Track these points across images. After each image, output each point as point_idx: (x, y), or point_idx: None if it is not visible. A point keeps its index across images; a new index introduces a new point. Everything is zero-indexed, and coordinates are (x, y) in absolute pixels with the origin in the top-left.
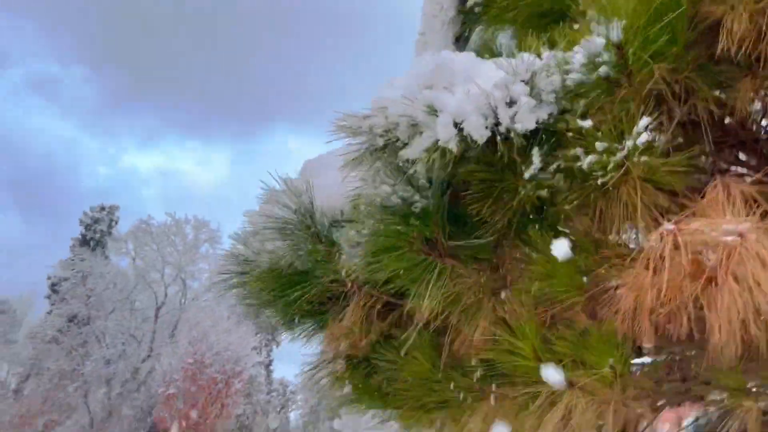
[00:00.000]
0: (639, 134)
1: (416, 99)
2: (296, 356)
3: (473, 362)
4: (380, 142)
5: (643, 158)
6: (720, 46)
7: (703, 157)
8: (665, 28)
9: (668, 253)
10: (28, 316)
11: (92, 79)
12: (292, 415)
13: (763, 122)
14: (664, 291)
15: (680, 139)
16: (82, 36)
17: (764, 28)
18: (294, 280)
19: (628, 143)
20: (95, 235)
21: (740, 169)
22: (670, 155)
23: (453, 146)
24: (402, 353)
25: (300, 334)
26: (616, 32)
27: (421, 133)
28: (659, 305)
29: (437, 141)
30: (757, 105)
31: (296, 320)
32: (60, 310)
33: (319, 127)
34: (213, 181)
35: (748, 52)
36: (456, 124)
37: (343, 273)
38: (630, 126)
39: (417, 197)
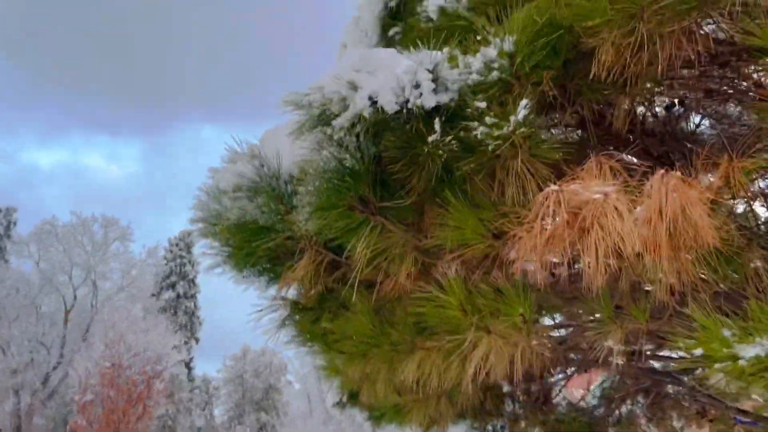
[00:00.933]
0: (519, 111)
1: (342, 78)
2: (217, 352)
3: (405, 319)
4: (317, 113)
5: (522, 129)
6: (593, 71)
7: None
8: (546, 45)
9: (552, 208)
10: None
11: None
12: (217, 411)
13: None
14: (550, 237)
15: (556, 120)
16: None
17: (628, 59)
18: (256, 232)
19: (512, 118)
20: None
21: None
22: (551, 137)
23: (366, 114)
24: (345, 308)
25: (256, 284)
26: (508, 44)
27: (347, 107)
28: (546, 249)
29: (358, 110)
30: (635, 109)
31: (254, 272)
32: None
33: (233, 114)
34: (123, 177)
35: (616, 77)
36: (372, 99)
37: (298, 229)
38: (514, 108)
39: (348, 158)
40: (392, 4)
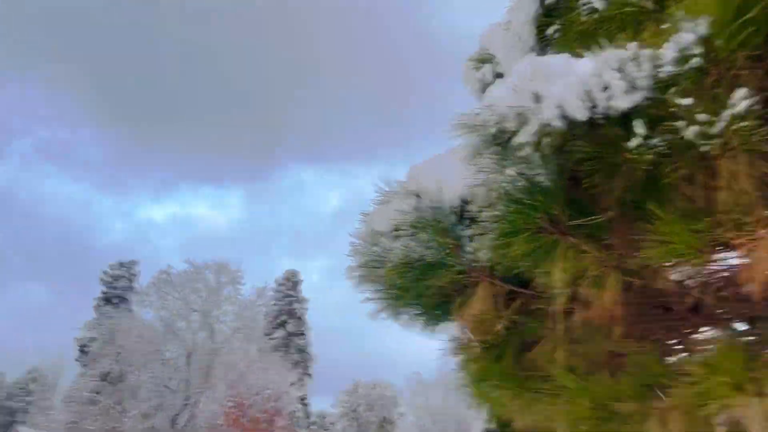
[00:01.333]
0: (736, 103)
1: (522, 90)
2: (328, 387)
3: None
4: (493, 132)
5: (742, 123)
6: None
7: None
8: (748, 22)
9: None
10: (60, 382)
11: (101, 139)
12: None
13: None
14: None
15: None
16: (87, 98)
17: None
18: (425, 270)
19: (727, 112)
20: (117, 292)
21: None
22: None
23: (557, 123)
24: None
25: (427, 325)
26: (703, 26)
27: (527, 120)
28: None
29: (544, 122)
30: None
31: (422, 312)
32: (92, 370)
33: (330, 156)
34: (228, 223)
35: None
36: (560, 107)
37: (468, 261)
38: (725, 101)
39: (540, 177)
40: (549, 0)
